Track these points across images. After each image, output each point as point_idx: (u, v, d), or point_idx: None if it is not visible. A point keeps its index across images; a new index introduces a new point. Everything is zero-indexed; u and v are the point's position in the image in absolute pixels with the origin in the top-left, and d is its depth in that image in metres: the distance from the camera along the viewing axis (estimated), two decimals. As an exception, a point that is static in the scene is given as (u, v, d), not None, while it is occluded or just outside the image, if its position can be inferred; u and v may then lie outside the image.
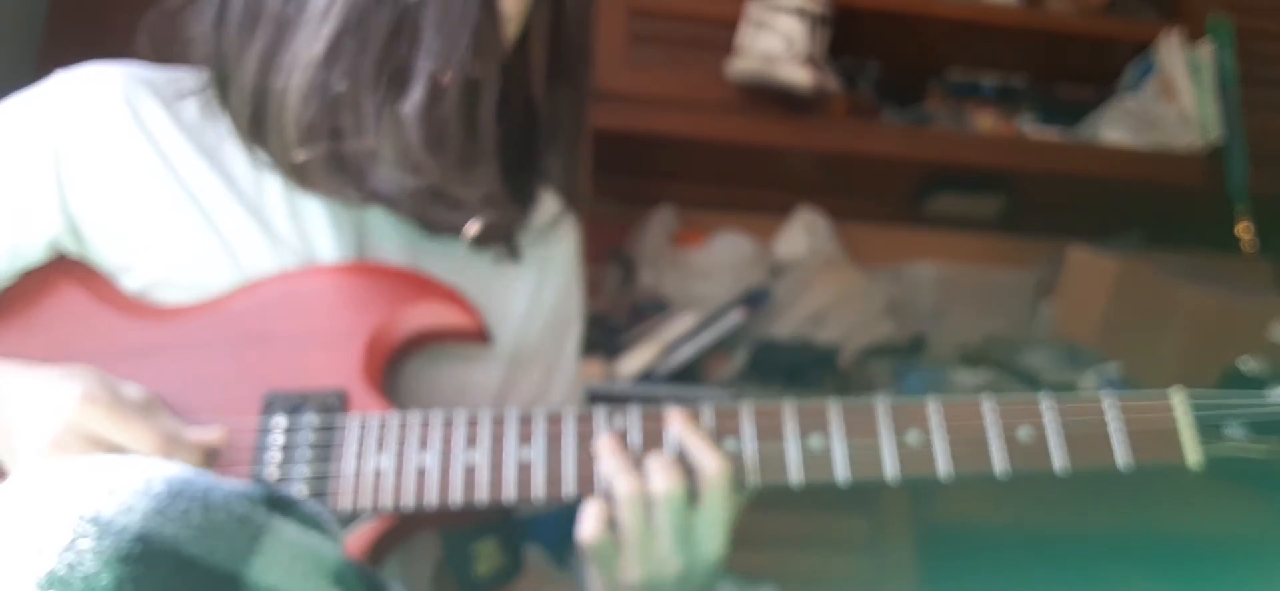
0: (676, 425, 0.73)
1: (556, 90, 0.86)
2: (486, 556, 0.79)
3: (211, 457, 0.74)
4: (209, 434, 0.74)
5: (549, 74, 0.85)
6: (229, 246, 0.81)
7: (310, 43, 0.74)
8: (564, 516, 1.15)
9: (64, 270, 0.83)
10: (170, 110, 0.83)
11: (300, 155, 0.77)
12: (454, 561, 0.79)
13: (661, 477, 0.70)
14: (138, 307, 0.82)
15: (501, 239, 0.87)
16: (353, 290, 0.81)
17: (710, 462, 0.71)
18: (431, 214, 0.82)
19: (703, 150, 1.86)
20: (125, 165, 0.81)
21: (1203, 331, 1.63)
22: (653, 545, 0.70)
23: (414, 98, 0.73)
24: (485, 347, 0.85)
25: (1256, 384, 0.74)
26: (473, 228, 0.83)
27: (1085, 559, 1.68)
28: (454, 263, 0.87)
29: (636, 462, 0.72)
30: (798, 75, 1.75)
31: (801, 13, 1.76)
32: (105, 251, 0.82)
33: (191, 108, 0.83)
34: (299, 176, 0.80)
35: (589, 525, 0.70)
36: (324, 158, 0.77)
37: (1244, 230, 1.87)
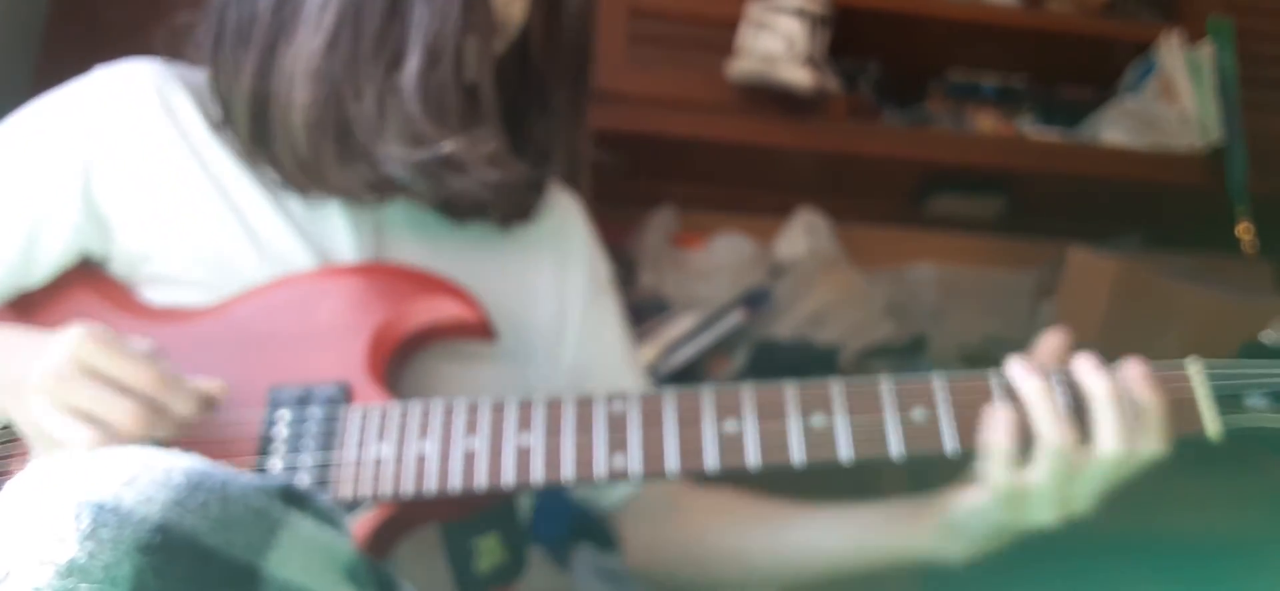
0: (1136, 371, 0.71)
1: (556, 68, 0.89)
2: (488, 552, 0.79)
3: (207, 406, 0.72)
4: (210, 385, 0.73)
5: (549, 50, 0.88)
6: (255, 236, 0.83)
7: (310, 37, 0.77)
8: (562, 514, 1.12)
9: (80, 278, 0.85)
10: (201, 106, 0.85)
11: (309, 150, 0.79)
12: (454, 557, 0.79)
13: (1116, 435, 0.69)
14: (148, 312, 0.83)
15: (514, 201, 0.88)
16: (356, 289, 0.82)
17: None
18: (446, 187, 0.82)
19: (703, 150, 1.86)
20: (154, 153, 0.83)
21: (1203, 332, 1.62)
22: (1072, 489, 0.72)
23: (410, 68, 0.76)
24: (490, 344, 0.84)
25: (1278, 355, 0.71)
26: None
27: (1086, 559, 1.68)
28: (472, 256, 0.88)
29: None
30: (798, 76, 1.74)
31: (801, 13, 1.76)
32: (131, 241, 0.83)
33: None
34: (311, 177, 0.81)
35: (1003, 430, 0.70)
36: (334, 151, 0.79)
37: (1244, 231, 1.87)
